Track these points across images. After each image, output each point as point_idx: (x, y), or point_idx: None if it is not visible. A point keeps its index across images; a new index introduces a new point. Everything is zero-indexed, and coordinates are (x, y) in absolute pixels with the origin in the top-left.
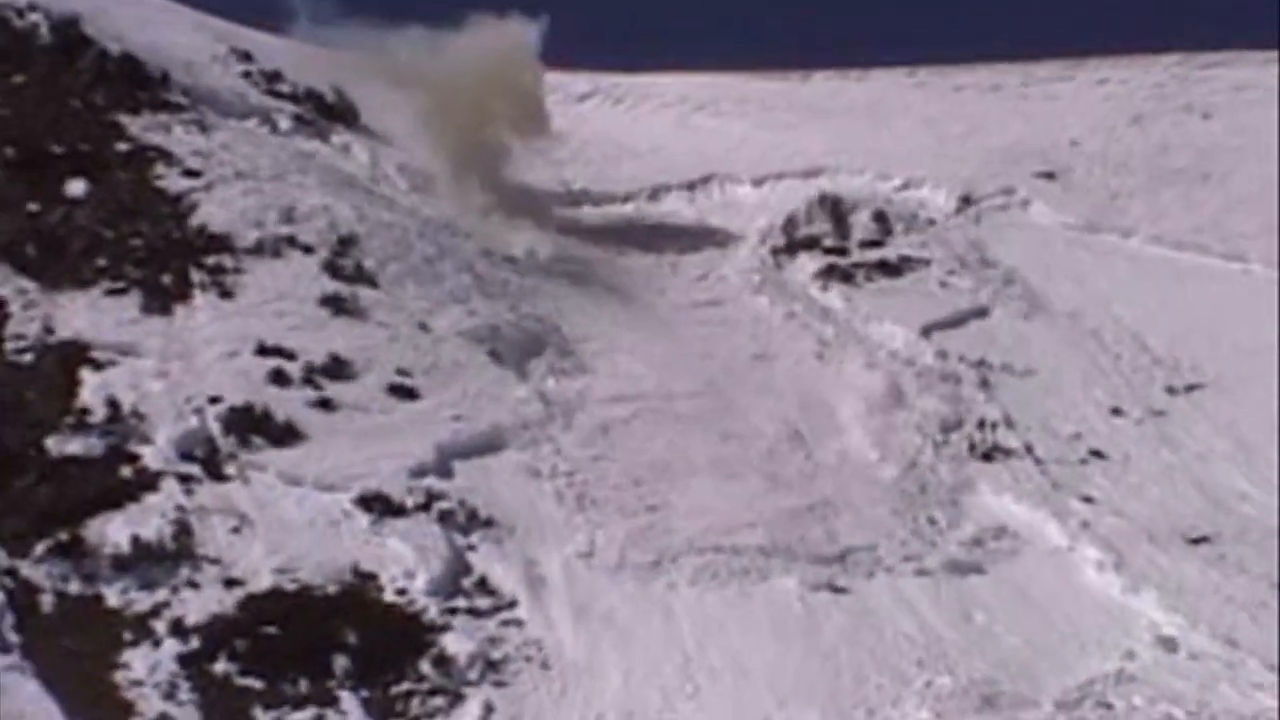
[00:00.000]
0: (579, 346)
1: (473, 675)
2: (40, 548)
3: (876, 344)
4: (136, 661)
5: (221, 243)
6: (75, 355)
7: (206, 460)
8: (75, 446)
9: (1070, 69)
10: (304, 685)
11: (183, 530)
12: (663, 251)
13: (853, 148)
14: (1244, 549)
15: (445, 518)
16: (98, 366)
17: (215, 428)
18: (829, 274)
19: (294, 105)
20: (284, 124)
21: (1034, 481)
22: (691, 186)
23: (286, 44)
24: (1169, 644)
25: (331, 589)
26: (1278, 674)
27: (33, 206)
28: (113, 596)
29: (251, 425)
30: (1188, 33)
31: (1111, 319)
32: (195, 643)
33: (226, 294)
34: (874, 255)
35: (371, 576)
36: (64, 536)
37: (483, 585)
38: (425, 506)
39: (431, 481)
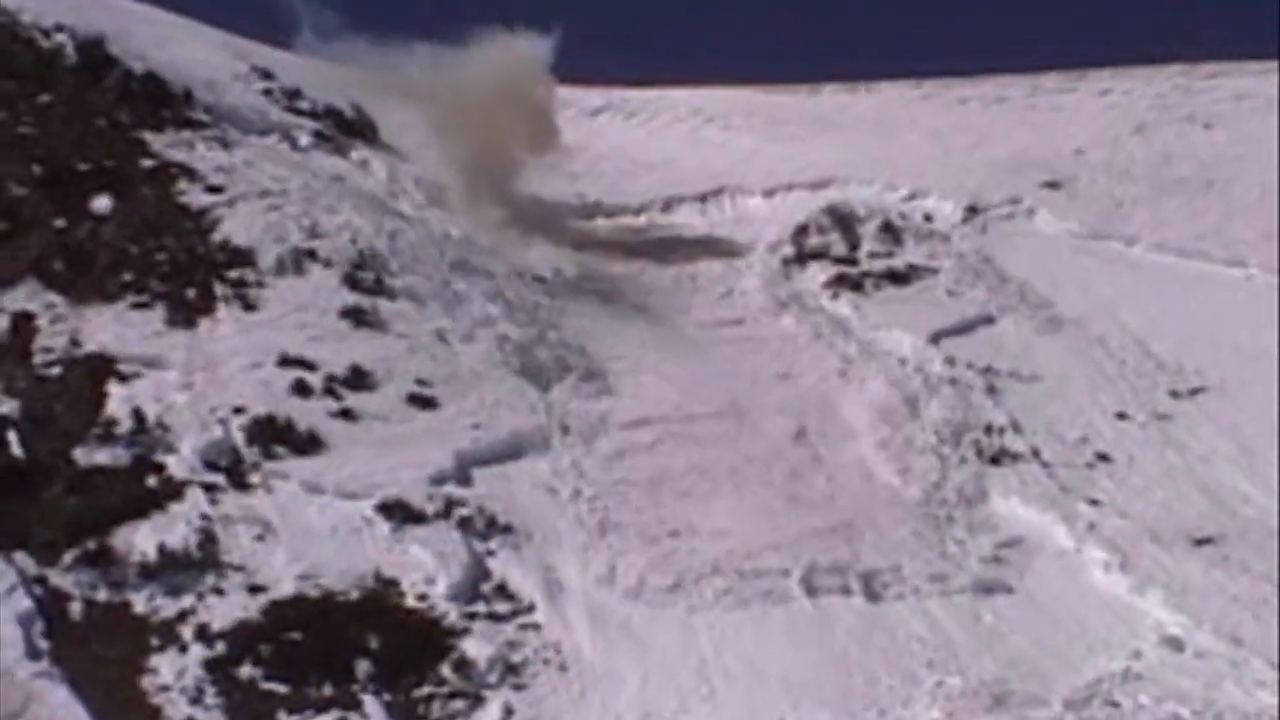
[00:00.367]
0: (606, 366)
1: (492, 678)
2: (69, 556)
3: (885, 352)
4: (163, 667)
5: (244, 257)
6: (102, 368)
7: (231, 470)
8: (102, 457)
9: (1074, 80)
10: (327, 689)
11: (208, 538)
12: (678, 263)
13: (861, 159)
14: (1247, 549)
15: (465, 524)
16: (124, 379)
17: (239, 438)
18: (838, 283)
19: (314, 122)
20: (304, 140)
21: (1041, 485)
22: (703, 198)
23: (306, 61)
24: (1174, 643)
25: (354, 595)
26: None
27: (60, 223)
28: (140, 603)
29: (274, 435)
30: (1189, 44)
31: (1116, 325)
32: (221, 648)
33: (249, 307)
34: (882, 265)
35: (393, 582)
36: (92, 545)
37: (502, 590)
38: (445, 513)
39: (451, 489)
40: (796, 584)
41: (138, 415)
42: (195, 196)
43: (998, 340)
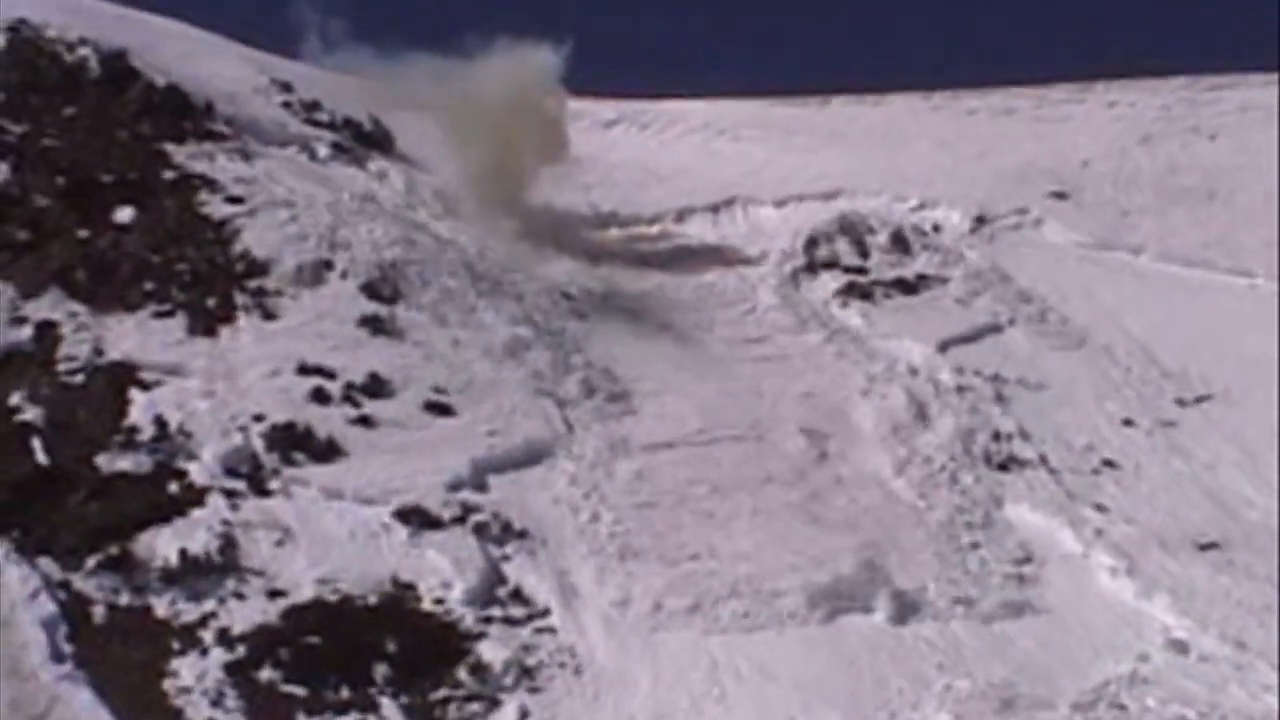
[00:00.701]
0: (631, 387)
1: (508, 681)
2: (92, 561)
3: (895, 359)
4: (185, 670)
5: (264, 266)
6: (124, 375)
7: (251, 476)
8: (125, 463)
9: (1081, 92)
10: (345, 692)
11: (228, 544)
12: (695, 274)
13: (870, 170)
14: (1251, 554)
15: (481, 530)
16: (146, 386)
17: (259, 444)
18: (848, 292)
19: (332, 133)
20: (323, 152)
21: (1049, 491)
22: (715, 209)
23: (324, 74)
24: (1180, 647)
25: (372, 599)
26: None
27: (83, 233)
28: (161, 608)
29: (294, 442)
30: (1193, 57)
31: (1122, 333)
32: (241, 651)
33: (269, 316)
34: (892, 274)
35: (410, 587)
36: (114, 550)
37: (517, 595)
38: (461, 519)
39: (467, 495)
40: (817, 606)
41: (159, 422)
42: (216, 207)
43: (1006, 348)
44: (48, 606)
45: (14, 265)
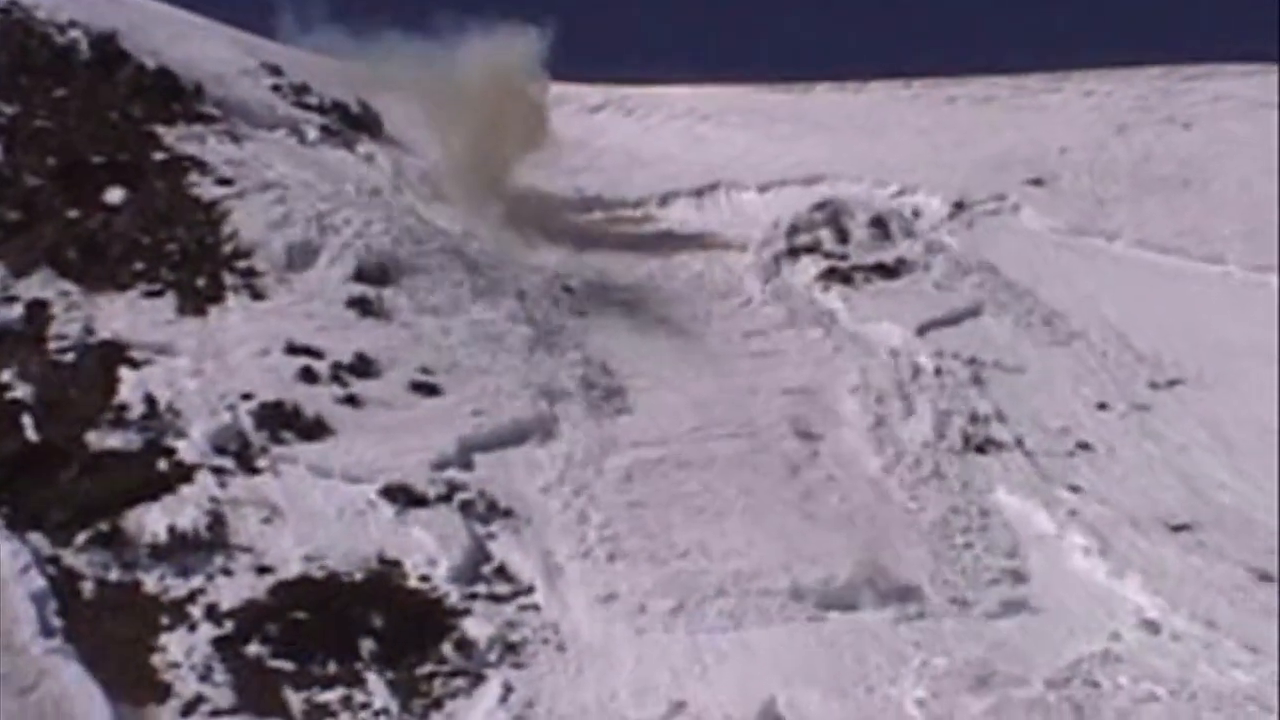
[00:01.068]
0: (626, 383)
1: (492, 657)
2: (81, 537)
3: (873, 343)
4: (173, 645)
5: (253, 247)
6: (114, 354)
7: (239, 454)
8: (115, 441)
9: (1058, 81)
10: (332, 667)
11: (217, 520)
12: (679, 258)
13: (851, 156)
14: (1222, 536)
15: (466, 508)
16: (136, 365)
17: (247, 423)
18: (829, 276)
19: (321, 116)
20: (312, 134)
21: (1024, 473)
22: (699, 193)
23: (313, 57)
24: (1152, 626)
25: (358, 576)
26: (1257, 653)
27: (74, 213)
28: (150, 583)
29: (282, 420)
30: (1169, 47)
31: (1098, 318)
32: (229, 627)
33: (258, 296)
34: (872, 258)
35: (396, 564)
36: (104, 526)
37: (502, 572)
38: (447, 497)
39: (453, 473)
40: (806, 603)
41: (149, 400)
42: (206, 188)
43: (983, 332)
44: (37, 581)
45: (5, 245)
